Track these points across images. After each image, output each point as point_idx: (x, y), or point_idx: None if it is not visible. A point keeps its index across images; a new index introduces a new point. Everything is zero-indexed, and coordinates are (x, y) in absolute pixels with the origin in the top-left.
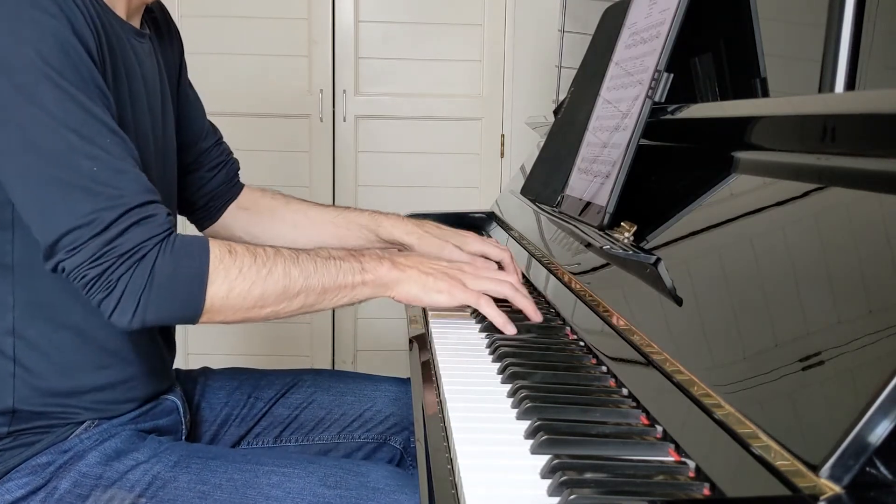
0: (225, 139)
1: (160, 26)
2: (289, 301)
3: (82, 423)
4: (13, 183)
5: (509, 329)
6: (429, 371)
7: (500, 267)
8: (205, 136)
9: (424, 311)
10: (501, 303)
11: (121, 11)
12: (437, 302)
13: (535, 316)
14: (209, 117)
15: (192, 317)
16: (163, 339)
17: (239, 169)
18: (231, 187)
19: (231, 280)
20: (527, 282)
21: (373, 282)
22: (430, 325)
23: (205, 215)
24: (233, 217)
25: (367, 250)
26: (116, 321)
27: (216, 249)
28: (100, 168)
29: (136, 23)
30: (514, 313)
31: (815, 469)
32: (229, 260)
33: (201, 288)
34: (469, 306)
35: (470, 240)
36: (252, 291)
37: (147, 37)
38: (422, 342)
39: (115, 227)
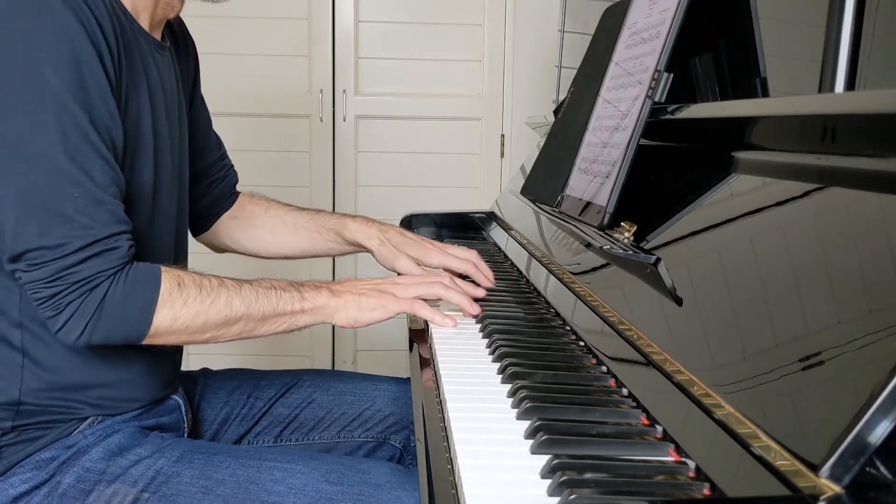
0: (225, 139)
1: (178, 39)
2: (228, 327)
3: (86, 418)
4: None
5: (447, 322)
6: (429, 371)
7: (465, 277)
8: (209, 151)
9: None
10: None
11: (144, 24)
12: (374, 318)
13: (470, 310)
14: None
15: (136, 340)
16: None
17: (237, 181)
18: (227, 199)
19: (176, 310)
20: (527, 282)
21: (311, 310)
22: (431, 325)
23: (199, 224)
24: (223, 226)
25: (307, 281)
26: (62, 338)
27: (166, 281)
28: (80, 194)
29: (157, 35)
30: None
31: (815, 469)
32: (177, 292)
33: (148, 317)
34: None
35: (432, 252)
36: (195, 320)
37: (168, 49)
38: (422, 342)
39: (77, 255)
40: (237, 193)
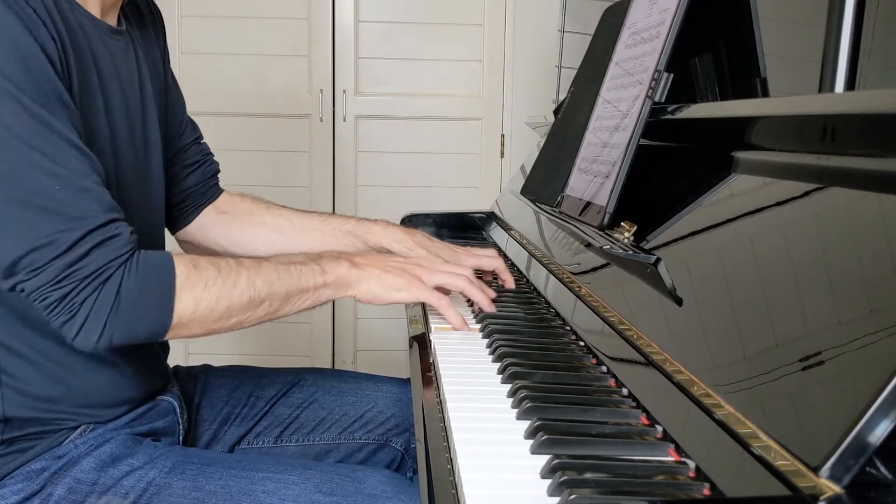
0: (226, 139)
1: (142, 14)
2: (254, 310)
3: (77, 427)
4: None
5: (466, 329)
6: (429, 371)
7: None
8: (182, 133)
9: (424, 311)
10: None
11: (94, 9)
12: (397, 299)
13: (488, 308)
14: (209, 117)
15: (160, 334)
16: None
17: (218, 171)
18: (207, 189)
19: (197, 295)
20: (527, 282)
21: (334, 283)
22: (430, 324)
23: (177, 215)
24: (211, 221)
25: (324, 252)
26: (80, 344)
27: (181, 265)
28: (62, 187)
29: (111, 20)
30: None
31: (815, 469)
32: (195, 275)
33: (169, 305)
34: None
35: (462, 255)
36: (219, 304)
37: (124, 33)
38: (422, 342)
39: (77, 249)
40: (219, 186)
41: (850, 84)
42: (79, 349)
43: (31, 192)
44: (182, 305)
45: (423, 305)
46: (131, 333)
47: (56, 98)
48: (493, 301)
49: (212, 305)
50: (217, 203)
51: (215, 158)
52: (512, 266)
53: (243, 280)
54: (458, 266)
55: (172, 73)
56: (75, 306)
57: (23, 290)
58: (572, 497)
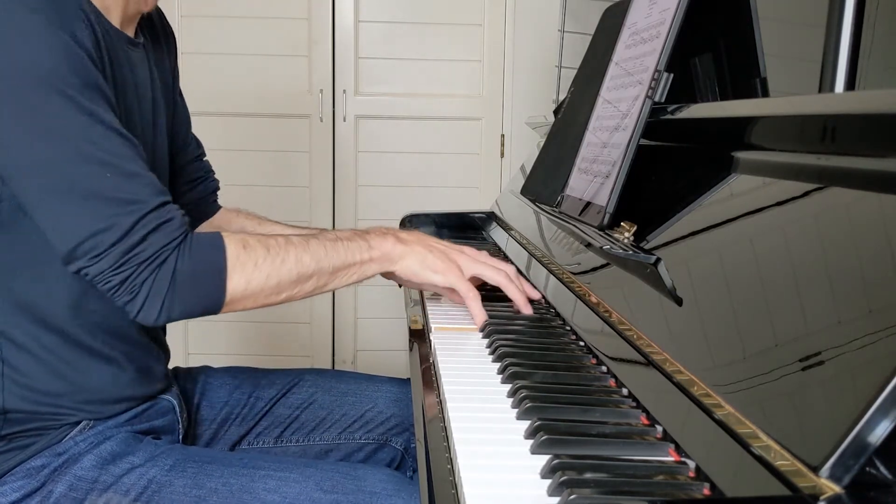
0: (226, 139)
1: (157, 32)
2: (302, 285)
3: (77, 423)
4: (27, 193)
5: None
6: (429, 371)
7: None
8: (186, 149)
9: (424, 311)
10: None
11: (115, 20)
12: (432, 280)
13: (525, 309)
14: (209, 117)
15: (215, 310)
16: (152, 341)
17: (218, 189)
18: (206, 206)
19: (248, 273)
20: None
21: (379, 258)
22: (431, 324)
23: None
24: None
25: (372, 228)
26: (142, 320)
27: (231, 245)
28: (112, 174)
29: (130, 31)
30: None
31: (815, 469)
32: (245, 255)
33: (221, 284)
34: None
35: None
36: (268, 282)
37: (141, 45)
38: (422, 342)
39: (134, 234)
40: (218, 204)
41: (850, 84)
42: (143, 324)
43: (84, 182)
44: (234, 284)
45: (423, 306)
46: (188, 310)
47: (96, 88)
48: (491, 300)
49: (262, 283)
50: (212, 219)
51: (215, 160)
52: None
53: (291, 258)
54: (501, 262)
55: (181, 90)
56: (136, 288)
57: (86, 275)
58: (572, 497)
